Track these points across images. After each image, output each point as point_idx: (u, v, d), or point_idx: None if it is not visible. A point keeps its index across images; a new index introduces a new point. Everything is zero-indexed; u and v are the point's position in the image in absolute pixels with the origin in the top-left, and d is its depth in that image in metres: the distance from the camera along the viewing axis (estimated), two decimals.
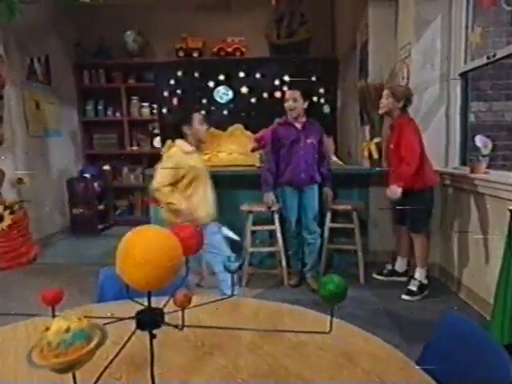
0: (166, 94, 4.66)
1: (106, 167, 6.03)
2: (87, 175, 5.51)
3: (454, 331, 0.96)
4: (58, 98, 5.30)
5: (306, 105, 3.11)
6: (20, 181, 4.03)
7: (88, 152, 5.98)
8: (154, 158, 5.10)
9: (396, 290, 3.12)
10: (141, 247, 0.71)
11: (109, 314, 1.22)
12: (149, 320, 0.75)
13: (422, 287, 3.04)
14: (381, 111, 3.06)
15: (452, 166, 3.31)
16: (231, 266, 0.88)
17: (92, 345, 0.49)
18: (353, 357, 1.01)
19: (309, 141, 3.16)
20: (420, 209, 2.92)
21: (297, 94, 3.07)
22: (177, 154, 2.52)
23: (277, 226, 3.35)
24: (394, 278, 3.37)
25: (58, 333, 0.46)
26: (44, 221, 4.88)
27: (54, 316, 0.71)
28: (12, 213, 3.80)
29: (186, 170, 2.46)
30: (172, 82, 4.63)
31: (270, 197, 3.24)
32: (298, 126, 3.16)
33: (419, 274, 3.06)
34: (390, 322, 2.67)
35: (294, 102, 3.07)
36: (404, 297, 3.03)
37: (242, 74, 4.67)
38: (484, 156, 2.73)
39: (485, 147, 2.71)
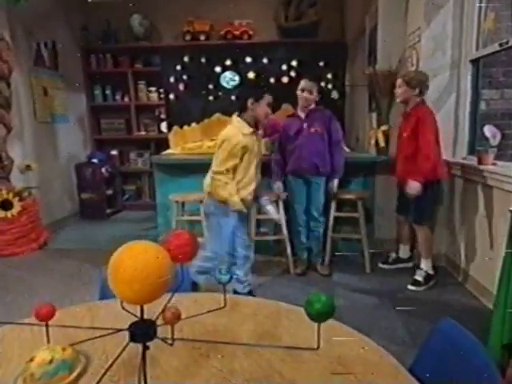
0: (172, 79, 4.61)
1: (114, 152, 6.07)
2: (95, 160, 5.54)
3: (447, 338, 0.96)
4: (66, 84, 5.30)
5: (318, 97, 3.14)
6: (28, 167, 4.07)
7: (96, 137, 6.00)
8: (162, 143, 5.18)
9: (402, 280, 3.12)
10: (129, 265, 0.72)
11: (112, 314, 1.25)
12: (141, 332, 0.76)
13: (428, 277, 3.04)
14: (398, 100, 3.01)
15: (461, 156, 3.25)
16: (222, 279, 0.88)
17: (73, 375, 0.50)
18: (347, 363, 1.02)
19: (312, 129, 3.13)
20: (426, 201, 2.90)
21: (314, 87, 3.10)
22: (236, 135, 2.46)
23: (282, 215, 3.35)
24: (399, 266, 3.38)
25: (41, 365, 0.47)
26: (53, 206, 4.95)
27: (47, 331, 0.71)
28: (21, 199, 3.86)
29: (243, 151, 2.44)
30: (178, 67, 4.58)
31: (277, 186, 3.30)
32: (302, 115, 3.19)
33: (424, 265, 3.06)
34: (394, 313, 2.68)
35: (310, 94, 3.09)
36: (410, 287, 3.03)
37: (248, 59, 4.59)
38: (492, 147, 2.67)
39: (494, 138, 2.65)
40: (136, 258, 0.73)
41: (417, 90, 2.86)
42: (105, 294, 1.53)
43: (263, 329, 1.20)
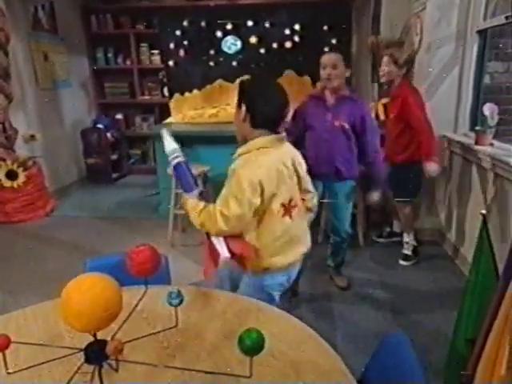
0: (172, 45, 4.50)
1: (119, 116, 6.06)
2: (100, 126, 5.57)
3: (393, 353, 1.02)
4: (67, 47, 5.22)
5: (348, 73, 2.41)
6: (33, 137, 4.13)
7: (100, 101, 5.98)
8: (165, 108, 5.15)
9: (393, 256, 3.18)
10: (77, 301, 0.78)
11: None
12: (95, 355, 0.83)
13: (415, 250, 3.12)
14: (382, 79, 2.92)
15: (462, 132, 3.18)
16: (172, 302, 0.94)
17: None
18: (300, 368, 1.09)
19: (337, 123, 2.36)
20: (408, 180, 2.91)
21: (338, 58, 2.34)
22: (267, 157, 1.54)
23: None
24: (394, 239, 3.43)
25: None
26: (60, 172, 5.06)
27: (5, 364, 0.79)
28: (26, 169, 3.95)
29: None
30: (178, 32, 4.45)
31: None
32: (330, 100, 2.41)
33: (407, 238, 3.13)
34: (385, 288, 2.78)
35: (334, 68, 2.31)
36: (401, 262, 3.11)
37: (250, 23, 4.43)
38: (491, 127, 2.61)
39: (492, 118, 2.58)
40: (83, 295, 0.78)
41: (403, 70, 2.80)
42: None
43: (230, 328, 1.27)
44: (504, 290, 1.28)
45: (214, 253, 1.44)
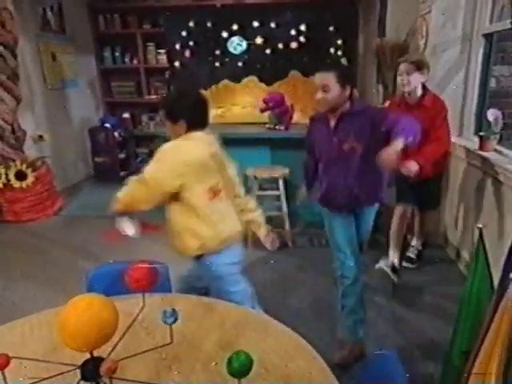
0: (177, 46, 4.53)
1: (126, 115, 6.12)
2: (108, 125, 5.63)
3: (382, 370, 1.05)
4: (75, 47, 5.28)
5: (347, 92, 1.91)
6: (41, 138, 4.20)
7: (107, 100, 6.04)
8: None
9: None
10: (73, 322, 0.82)
11: None
12: (91, 373, 0.87)
13: (419, 254, 3.16)
14: (406, 89, 2.61)
15: (466, 136, 3.17)
16: (167, 321, 0.97)
17: None
18: (292, 382, 1.13)
19: (345, 146, 1.94)
20: (439, 191, 3.01)
21: (329, 77, 1.87)
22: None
23: (281, 192, 3.41)
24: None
25: None
26: (69, 170, 5.14)
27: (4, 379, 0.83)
28: (34, 170, 4.02)
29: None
30: (184, 33, 4.48)
31: (301, 192, 2.38)
32: (332, 121, 1.98)
33: (414, 242, 3.19)
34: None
35: (324, 90, 1.88)
36: (404, 264, 3.11)
37: (256, 24, 4.44)
38: (495, 133, 2.60)
39: (496, 124, 2.57)
40: (79, 317, 0.82)
41: (426, 75, 2.61)
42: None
43: (226, 340, 1.31)
44: (498, 303, 1.30)
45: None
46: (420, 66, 2.58)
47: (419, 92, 2.64)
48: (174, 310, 0.96)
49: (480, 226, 1.42)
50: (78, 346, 0.82)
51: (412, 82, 2.59)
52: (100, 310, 0.84)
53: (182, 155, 1.68)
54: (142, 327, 1.35)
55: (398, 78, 2.66)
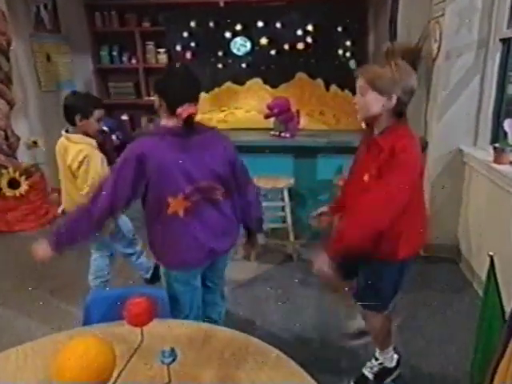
0: (178, 48, 4.57)
1: (124, 117, 6.16)
2: (105, 128, 5.65)
3: None
4: (70, 46, 5.34)
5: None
6: (35, 144, 4.25)
7: (104, 102, 6.06)
8: None
9: None
10: (71, 366, 0.85)
11: None
12: None
13: (383, 372, 2.14)
14: (359, 117, 1.75)
15: (481, 146, 3.18)
16: (165, 361, 1.00)
17: None
18: None
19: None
20: (387, 283, 1.88)
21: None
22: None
23: (286, 202, 3.44)
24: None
25: None
26: None
27: None
28: (28, 177, 4.07)
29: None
30: (185, 34, 4.51)
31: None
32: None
33: (381, 356, 2.15)
34: None
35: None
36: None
37: (260, 24, 4.46)
38: (511, 146, 2.61)
39: None
40: (76, 361, 0.85)
41: (393, 100, 1.62)
42: (88, 319, 1.71)
43: (225, 372, 1.34)
44: (510, 335, 1.32)
45: None
46: (376, 85, 1.63)
47: (384, 122, 1.69)
48: (172, 350, 0.99)
49: (491, 253, 1.44)
50: None
51: (363, 107, 1.71)
52: (97, 355, 0.88)
53: None
54: (139, 356, 1.38)
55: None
